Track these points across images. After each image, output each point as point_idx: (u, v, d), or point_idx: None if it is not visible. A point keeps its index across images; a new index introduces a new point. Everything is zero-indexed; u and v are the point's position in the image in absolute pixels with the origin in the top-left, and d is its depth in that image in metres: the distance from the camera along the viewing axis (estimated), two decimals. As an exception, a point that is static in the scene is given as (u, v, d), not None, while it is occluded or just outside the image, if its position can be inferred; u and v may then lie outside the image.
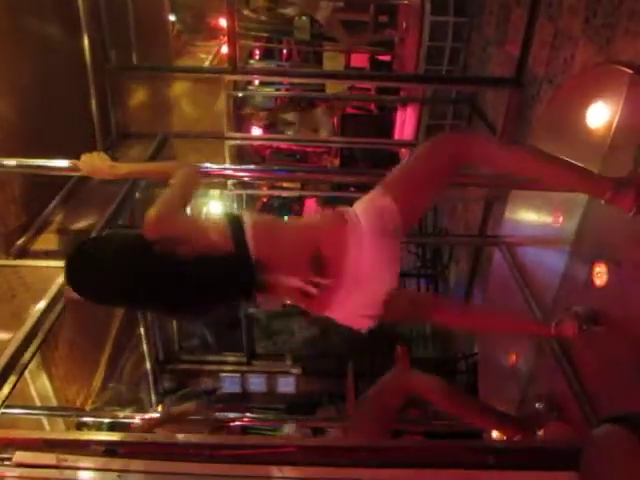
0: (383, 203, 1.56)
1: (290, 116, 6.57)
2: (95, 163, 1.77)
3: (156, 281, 1.42)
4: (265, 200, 7.79)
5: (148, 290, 1.44)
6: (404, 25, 6.46)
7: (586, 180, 1.62)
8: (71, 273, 1.42)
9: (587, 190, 1.70)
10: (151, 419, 3.23)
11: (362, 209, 1.58)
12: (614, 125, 1.93)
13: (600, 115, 2.02)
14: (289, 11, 7.08)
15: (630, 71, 1.93)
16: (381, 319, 1.62)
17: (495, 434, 2.43)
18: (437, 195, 1.80)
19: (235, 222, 1.52)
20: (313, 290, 1.50)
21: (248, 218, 1.53)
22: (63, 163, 2.13)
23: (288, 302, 1.69)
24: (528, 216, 2.65)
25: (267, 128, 7.01)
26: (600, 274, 1.92)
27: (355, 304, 1.58)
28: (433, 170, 1.62)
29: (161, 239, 1.41)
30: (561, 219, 2.27)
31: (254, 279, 1.47)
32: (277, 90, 7.45)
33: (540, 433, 2.20)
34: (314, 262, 1.52)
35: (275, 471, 1.22)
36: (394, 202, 1.55)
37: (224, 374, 6.24)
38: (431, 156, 1.63)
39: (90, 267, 1.42)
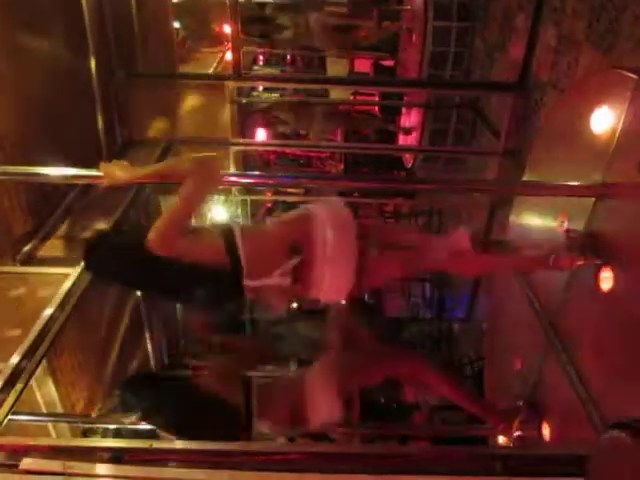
0: (350, 217, 1.85)
1: (284, 115, 6.51)
2: (114, 171, 1.78)
3: (155, 284, 1.84)
4: (269, 205, 7.80)
5: (148, 286, 1.93)
6: (407, 30, 6.47)
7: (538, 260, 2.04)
8: (91, 259, 1.80)
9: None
10: None
11: (326, 211, 1.84)
12: (618, 130, 1.93)
13: (604, 120, 2.01)
14: (285, 36, 7.00)
15: (634, 76, 1.92)
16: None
17: (502, 440, 2.43)
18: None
19: (229, 238, 1.75)
20: (287, 281, 1.76)
21: (239, 231, 1.76)
22: (71, 171, 2.13)
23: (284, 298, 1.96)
24: (533, 221, 2.65)
25: (264, 127, 6.95)
26: (606, 279, 1.91)
27: (332, 275, 1.80)
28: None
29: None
30: (566, 224, 2.27)
31: (242, 288, 1.74)
32: (281, 96, 7.47)
33: (515, 430, 2.32)
34: (291, 250, 1.78)
35: (282, 478, 1.23)
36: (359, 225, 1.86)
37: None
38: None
39: (105, 257, 1.76)
